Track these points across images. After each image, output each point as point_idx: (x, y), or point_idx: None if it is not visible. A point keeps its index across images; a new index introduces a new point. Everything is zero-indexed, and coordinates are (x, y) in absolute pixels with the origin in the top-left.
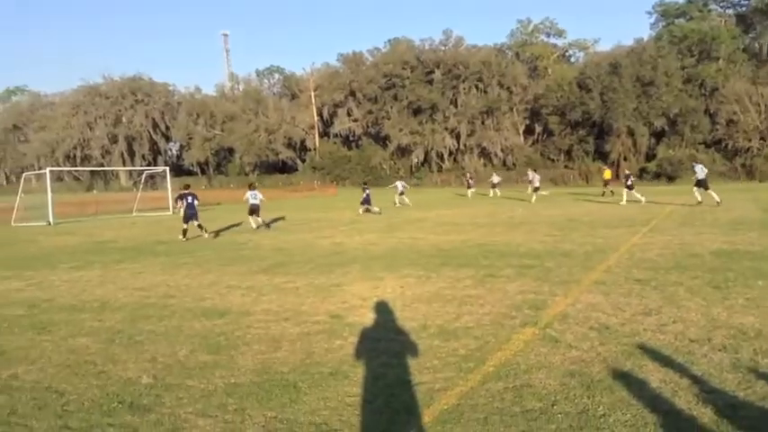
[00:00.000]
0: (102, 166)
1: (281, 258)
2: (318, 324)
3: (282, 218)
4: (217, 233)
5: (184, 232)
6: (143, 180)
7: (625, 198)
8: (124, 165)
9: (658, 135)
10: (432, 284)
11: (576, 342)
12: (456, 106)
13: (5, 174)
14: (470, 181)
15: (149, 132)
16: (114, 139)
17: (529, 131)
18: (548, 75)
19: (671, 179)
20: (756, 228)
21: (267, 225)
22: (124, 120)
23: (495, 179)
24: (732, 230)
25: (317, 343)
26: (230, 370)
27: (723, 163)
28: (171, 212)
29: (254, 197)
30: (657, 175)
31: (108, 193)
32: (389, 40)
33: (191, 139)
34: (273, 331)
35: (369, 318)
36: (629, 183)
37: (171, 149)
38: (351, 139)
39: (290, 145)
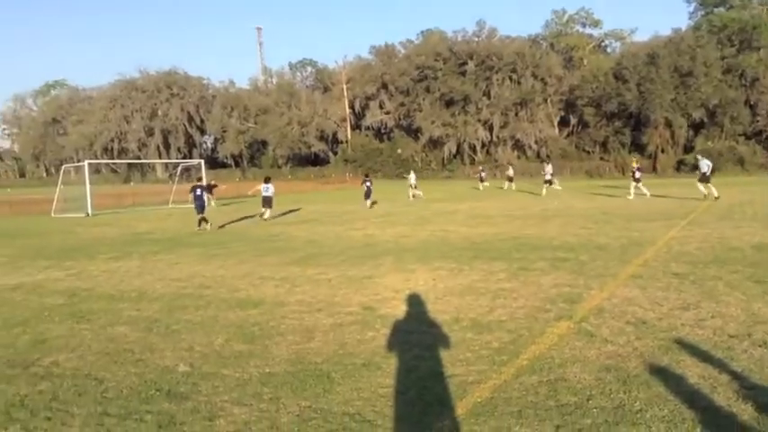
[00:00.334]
0: (139, 158)
1: (313, 250)
2: (351, 315)
3: (297, 209)
4: (222, 225)
5: (200, 222)
6: (179, 172)
7: (633, 192)
8: (160, 157)
9: (697, 127)
10: (464, 277)
11: (612, 336)
12: (489, 98)
13: (45, 166)
14: (482, 174)
15: (185, 125)
16: (150, 132)
17: (563, 123)
18: (583, 65)
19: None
20: None
21: (258, 215)
22: (160, 113)
23: (510, 172)
24: None
25: (349, 334)
26: (265, 359)
27: (764, 155)
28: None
29: (266, 190)
30: (695, 168)
31: (144, 185)
32: (422, 32)
33: (225, 132)
34: (307, 322)
35: (401, 310)
36: (636, 176)
37: (206, 142)
38: (382, 131)
39: (322, 137)
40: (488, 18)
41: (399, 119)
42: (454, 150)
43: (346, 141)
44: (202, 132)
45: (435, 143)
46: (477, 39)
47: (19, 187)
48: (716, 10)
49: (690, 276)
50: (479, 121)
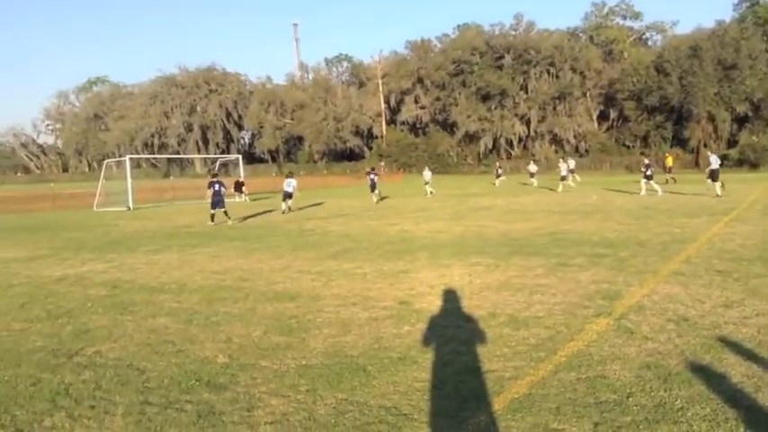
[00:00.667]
0: (178, 153)
1: (348, 245)
2: (386, 310)
3: (321, 203)
4: (244, 218)
5: (212, 217)
6: (217, 167)
7: (644, 189)
8: (199, 152)
9: (741, 120)
10: (501, 273)
11: (653, 334)
12: (526, 92)
13: (88, 161)
14: (499, 170)
15: (223, 121)
16: (189, 128)
17: (603, 117)
18: (623, 58)
19: (754, 166)
20: None
21: (290, 209)
22: (199, 109)
23: (533, 168)
24: None
25: (385, 328)
26: (302, 352)
27: None
28: (243, 199)
29: (288, 185)
30: (740, 162)
31: (183, 180)
32: (458, 26)
33: (262, 127)
34: (343, 315)
35: (436, 305)
36: (648, 172)
37: (243, 138)
38: (418, 126)
39: (357, 133)
40: (526, 11)
41: (435, 113)
42: (490, 145)
43: (381, 136)
44: (240, 128)
45: (471, 138)
46: (514, 32)
47: (62, 182)
48: (761, 1)
49: (733, 273)
50: (516, 115)
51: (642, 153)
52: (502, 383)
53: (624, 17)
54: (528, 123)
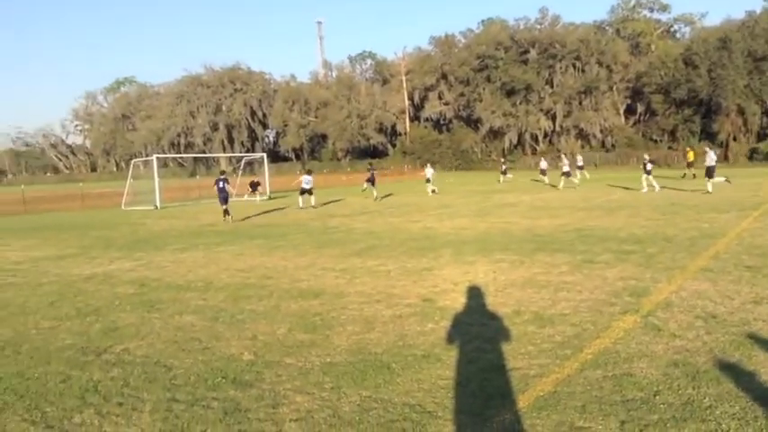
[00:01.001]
0: (204, 152)
1: (372, 242)
2: (410, 307)
3: (340, 200)
4: (244, 218)
5: (225, 212)
6: (242, 166)
7: (645, 185)
8: (224, 151)
9: None
10: (525, 270)
11: (681, 331)
12: (552, 86)
13: (115, 161)
14: (503, 167)
15: (248, 120)
16: (215, 127)
17: (630, 111)
18: (651, 51)
19: None
20: None
21: (314, 206)
22: (224, 108)
23: (543, 164)
24: None
25: (409, 325)
26: (326, 349)
27: None
28: (267, 197)
29: (307, 182)
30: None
31: (209, 179)
32: (482, 21)
33: (286, 126)
34: (367, 313)
35: (460, 302)
36: (648, 168)
37: (268, 136)
38: (441, 122)
39: (380, 130)
40: (551, 5)
41: (459, 109)
42: (515, 141)
43: (405, 133)
44: (264, 126)
45: (496, 133)
46: (539, 26)
47: (91, 181)
48: None
49: (763, 269)
50: (542, 110)
51: (670, 147)
52: (527, 381)
53: (651, 10)
54: (553, 118)
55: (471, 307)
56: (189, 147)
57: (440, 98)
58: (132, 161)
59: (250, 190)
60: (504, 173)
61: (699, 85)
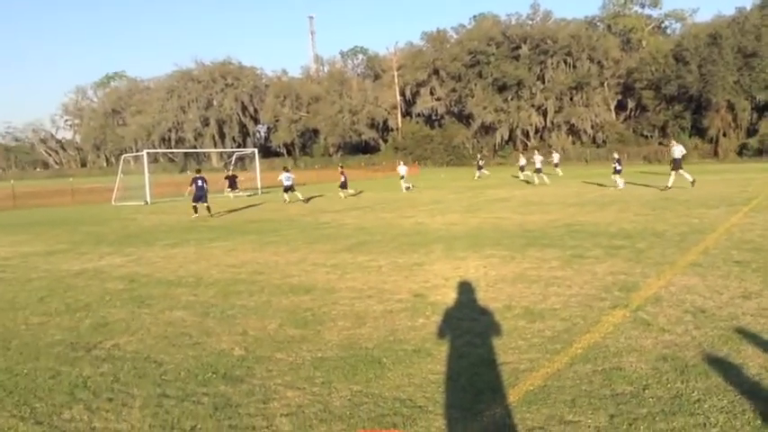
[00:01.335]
0: (195, 148)
1: (363, 237)
2: (401, 302)
3: (321, 196)
4: (231, 211)
5: (195, 209)
6: (233, 161)
7: (619, 182)
8: (215, 147)
9: (761, 109)
10: (516, 265)
11: (670, 325)
12: (543, 82)
13: (106, 156)
14: (480, 162)
15: (239, 115)
16: (206, 122)
17: (621, 107)
18: (642, 47)
19: None
20: None
21: (306, 201)
22: (215, 103)
23: (522, 161)
24: None
25: (400, 321)
26: (317, 344)
27: None
28: (259, 193)
29: (287, 179)
30: (759, 152)
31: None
32: (474, 17)
33: (277, 121)
34: (358, 308)
35: (451, 297)
36: (618, 167)
37: (259, 131)
38: (433, 118)
39: (372, 125)
40: (543, 1)
41: (450, 105)
42: (507, 136)
43: (397, 129)
44: (256, 122)
45: (487, 129)
46: (531, 22)
47: (81, 177)
48: None
49: (752, 264)
50: (533, 106)
51: (660, 143)
52: (517, 376)
53: (642, 5)
54: (545, 114)
55: (462, 302)
56: (179, 142)
57: (431, 94)
58: (122, 156)
59: (227, 185)
60: (480, 168)
61: (689, 81)
